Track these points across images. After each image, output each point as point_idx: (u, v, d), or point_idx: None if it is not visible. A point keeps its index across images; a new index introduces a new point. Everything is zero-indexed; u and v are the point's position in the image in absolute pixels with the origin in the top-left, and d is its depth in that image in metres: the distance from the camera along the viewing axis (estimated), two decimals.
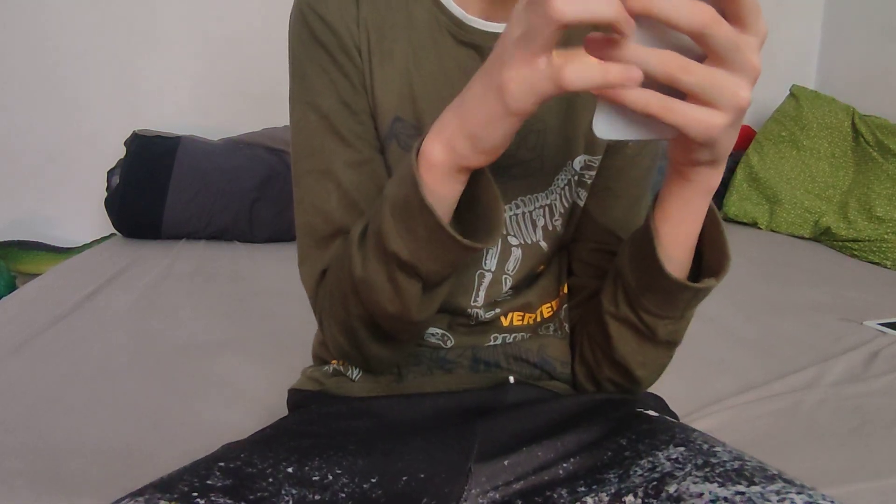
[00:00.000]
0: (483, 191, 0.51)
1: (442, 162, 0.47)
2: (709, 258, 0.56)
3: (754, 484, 0.44)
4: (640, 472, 0.49)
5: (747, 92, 0.39)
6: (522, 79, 0.40)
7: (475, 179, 0.51)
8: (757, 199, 2.32)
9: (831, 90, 2.42)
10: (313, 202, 0.63)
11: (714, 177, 0.49)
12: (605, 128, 0.41)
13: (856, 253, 2.03)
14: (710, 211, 0.54)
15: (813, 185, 2.24)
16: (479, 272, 0.66)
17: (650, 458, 0.50)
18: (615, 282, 0.61)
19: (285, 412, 0.74)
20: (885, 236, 1.97)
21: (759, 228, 2.31)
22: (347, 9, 0.60)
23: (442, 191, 0.49)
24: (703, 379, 1.14)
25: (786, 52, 2.66)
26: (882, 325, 1.40)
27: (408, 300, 0.54)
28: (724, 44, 0.37)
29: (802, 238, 2.22)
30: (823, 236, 2.15)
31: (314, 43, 0.60)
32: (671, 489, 0.46)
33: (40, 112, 2.09)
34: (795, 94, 2.36)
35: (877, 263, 1.96)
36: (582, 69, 0.38)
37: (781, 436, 0.96)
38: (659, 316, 0.58)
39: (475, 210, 0.52)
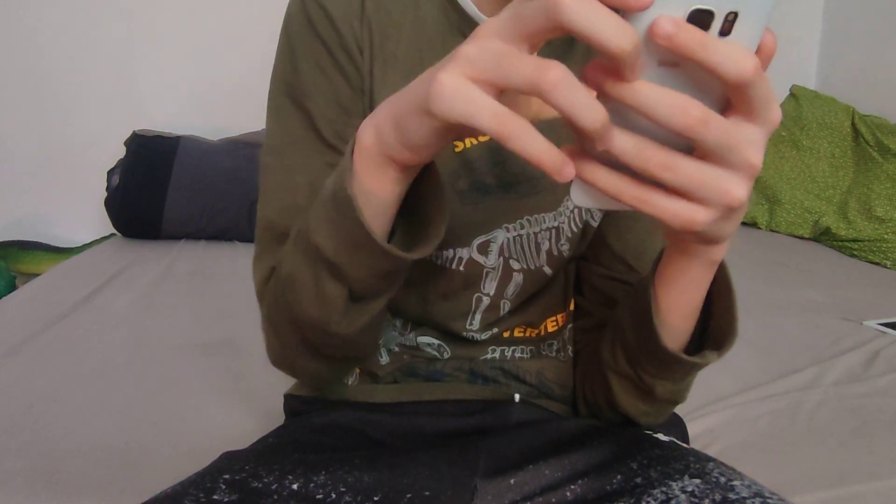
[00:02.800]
0: (427, 193, 0.45)
1: (370, 147, 0.41)
2: (715, 327, 0.53)
3: None
4: (653, 502, 0.47)
5: (741, 190, 0.34)
6: (456, 86, 0.34)
7: (423, 179, 0.45)
8: (756, 198, 2.32)
9: (831, 90, 2.42)
10: (279, 196, 0.58)
11: (714, 252, 0.44)
12: (582, 196, 0.37)
13: (855, 253, 2.03)
14: (722, 278, 0.50)
15: (813, 185, 2.24)
16: (476, 295, 0.63)
17: (663, 489, 0.48)
18: (614, 335, 0.57)
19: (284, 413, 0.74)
20: (885, 236, 1.97)
21: (759, 228, 2.31)
22: (352, 3, 0.55)
23: (374, 185, 0.42)
24: (703, 378, 1.13)
25: (786, 52, 2.65)
26: (882, 325, 1.40)
27: (329, 306, 0.48)
28: (715, 144, 0.32)
29: (802, 238, 2.22)
30: (823, 236, 2.15)
31: (313, 35, 0.55)
32: None
33: (40, 112, 2.09)
34: (795, 94, 2.36)
35: (876, 263, 1.96)
36: (529, 139, 0.33)
37: (781, 436, 0.96)
38: (657, 377, 0.55)
39: (422, 219, 0.47)
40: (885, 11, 2.34)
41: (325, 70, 0.56)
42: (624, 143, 0.33)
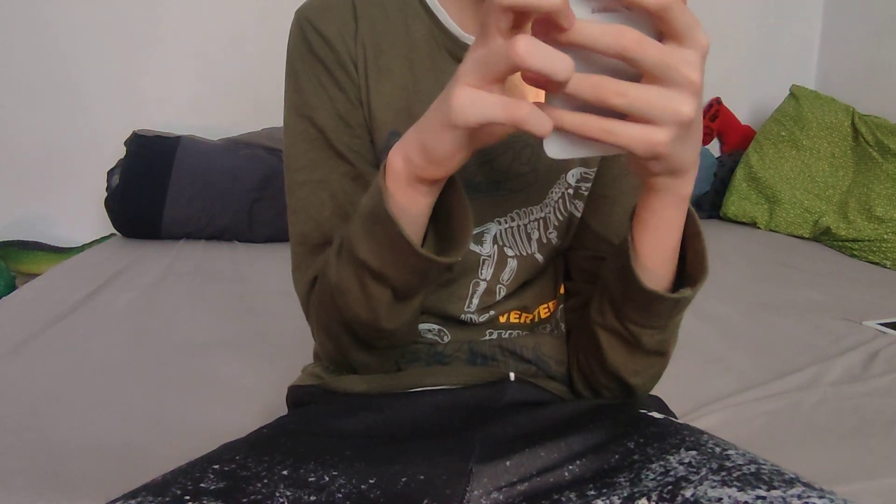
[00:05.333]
0: (454, 205, 0.52)
1: (401, 172, 0.48)
2: (691, 268, 0.55)
3: (774, 488, 0.44)
4: (652, 476, 0.49)
5: (688, 106, 0.38)
6: (468, 95, 0.40)
7: (450, 193, 0.51)
8: (756, 198, 2.32)
9: (831, 90, 2.42)
10: (307, 212, 0.64)
11: (682, 186, 0.48)
12: (555, 147, 0.42)
13: (855, 253, 2.03)
14: (690, 220, 0.53)
15: (812, 184, 2.24)
16: (473, 281, 0.67)
17: (662, 463, 0.50)
18: (601, 292, 0.61)
19: (285, 411, 0.74)
20: (885, 236, 1.97)
21: (759, 228, 2.31)
22: (346, 25, 0.62)
23: (406, 202, 0.49)
24: (703, 378, 1.14)
25: (786, 52, 2.66)
26: (882, 325, 1.40)
27: (378, 307, 0.55)
28: (653, 64, 0.37)
29: (802, 238, 2.23)
30: (823, 236, 2.16)
31: (312, 57, 0.62)
32: (687, 493, 0.45)
33: (41, 112, 2.09)
34: (795, 94, 2.36)
35: (876, 263, 1.96)
36: (535, 116, 0.38)
37: (780, 435, 0.96)
38: (643, 325, 0.57)
39: (449, 224, 0.53)
40: (885, 11, 2.34)
41: (325, 86, 0.62)
42: (580, 81, 0.38)
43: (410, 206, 0.49)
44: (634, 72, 0.38)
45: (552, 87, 0.38)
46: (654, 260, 0.53)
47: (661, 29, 0.38)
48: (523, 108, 0.38)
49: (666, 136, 0.39)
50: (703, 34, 0.38)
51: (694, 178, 0.48)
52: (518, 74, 0.40)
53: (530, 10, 0.36)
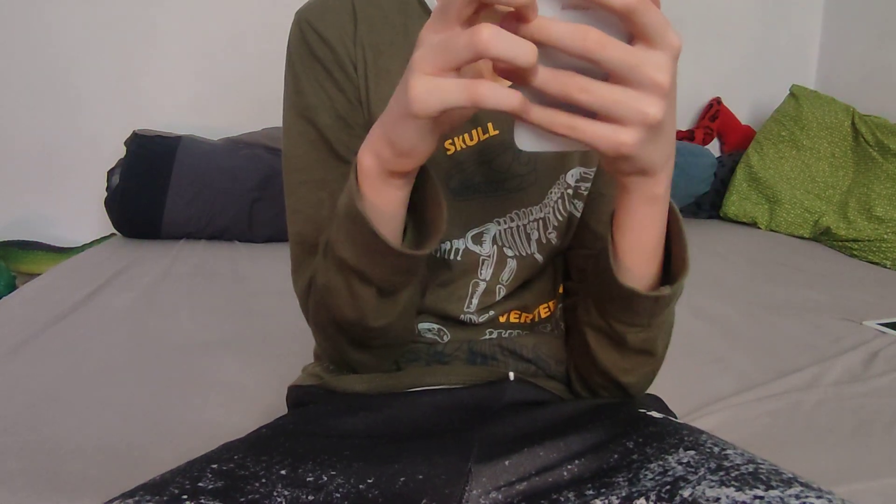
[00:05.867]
0: (428, 197, 0.52)
1: (370, 169, 0.48)
2: (675, 267, 0.55)
3: (772, 488, 0.44)
4: (650, 475, 0.49)
5: (654, 108, 0.38)
6: (426, 84, 0.39)
7: (423, 185, 0.52)
8: (756, 198, 2.32)
9: (831, 90, 2.42)
10: (306, 212, 0.64)
11: (653, 185, 0.47)
12: (526, 140, 0.42)
13: (855, 253, 2.03)
14: (672, 219, 0.53)
15: (813, 185, 2.24)
16: (473, 281, 0.67)
17: (660, 463, 0.50)
18: (587, 291, 0.62)
19: (285, 411, 0.74)
20: (885, 236, 1.97)
21: (759, 228, 2.31)
22: (345, 27, 0.62)
23: (378, 198, 0.49)
24: (703, 378, 1.14)
25: (786, 52, 2.66)
26: (882, 325, 1.40)
27: (363, 306, 0.56)
28: (617, 65, 0.37)
29: (802, 238, 2.23)
30: (823, 236, 2.16)
31: (311, 58, 0.62)
32: (685, 493, 0.45)
33: (41, 112, 2.09)
34: (795, 94, 2.36)
35: (876, 263, 1.96)
36: (494, 91, 0.38)
37: (780, 436, 0.96)
38: (627, 324, 0.58)
39: (425, 215, 0.53)
40: (885, 11, 2.34)
41: (325, 87, 0.63)
42: (546, 75, 0.38)
43: (383, 202, 0.50)
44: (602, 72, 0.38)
45: (522, 79, 0.38)
46: (633, 258, 0.53)
47: (630, 30, 0.37)
48: (482, 87, 0.37)
49: (631, 137, 0.39)
50: (675, 36, 0.37)
51: (667, 178, 0.47)
52: (485, 68, 0.40)
53: (495, 1, 0.36)
